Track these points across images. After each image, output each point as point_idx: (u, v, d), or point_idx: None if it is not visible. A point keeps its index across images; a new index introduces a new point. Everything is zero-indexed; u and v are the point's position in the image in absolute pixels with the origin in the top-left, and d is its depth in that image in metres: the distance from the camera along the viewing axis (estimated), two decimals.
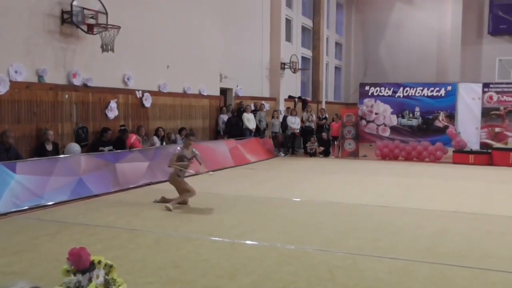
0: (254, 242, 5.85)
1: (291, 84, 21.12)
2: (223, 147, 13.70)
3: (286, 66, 19.58)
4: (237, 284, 4.46)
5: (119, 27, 10.24)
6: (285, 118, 17.47)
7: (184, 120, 13.81)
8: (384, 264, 5.03)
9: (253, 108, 16.86)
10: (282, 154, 16.99)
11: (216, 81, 15.48)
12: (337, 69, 27.78)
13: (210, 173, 9.18)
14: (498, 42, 24.67)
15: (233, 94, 16.81)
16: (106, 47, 10.23)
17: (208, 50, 14.76)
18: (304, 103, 19.95)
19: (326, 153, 16.89)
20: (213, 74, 15.25)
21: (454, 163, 14.95)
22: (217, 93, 15.60)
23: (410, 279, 4.62)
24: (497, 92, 15.30)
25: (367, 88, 16.73)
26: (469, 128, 15.46)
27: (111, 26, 10.16)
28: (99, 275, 3.06)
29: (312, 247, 5.65)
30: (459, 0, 24.86)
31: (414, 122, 16.09)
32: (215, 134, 15.26)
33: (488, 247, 5.74)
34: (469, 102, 15.52)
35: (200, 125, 14.61)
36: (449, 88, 15.89)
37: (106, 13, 10.20)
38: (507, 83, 16.19)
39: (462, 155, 15.14)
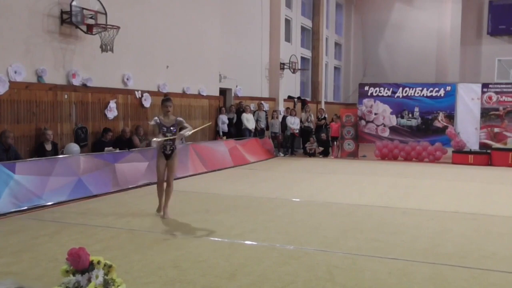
0: (253, 242, 5.85)
1: (291, 85, 21.13)
2: (222, 147, 13.70)
3: (285, 66, 19.59)
4: (236, 284, 4.46)
5: (118, 27, 10.24)
6: (284, 118, 17.48)
7: (184, 120, 13.78)
8: (383, 265, 5.04)
9: (253, 108, 16.88)
10: (282, 154, 17.00)
11: (215, 81, 15.48)
12: (337, 69, 27.79)
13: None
14: (497, 43, 24.71)
15: (233, 94, 16.82)
16: (105, 47, 10.23)
17: (208, 50, 14.78)
18: (304, 103, 19.96)
19: (325, 154, 16.90)
20: (212, 74, 15.26)
21: (453, 163, 14.95)
22: (217, 93, 15.60)
23: (410, 279, 4.63)
24: (496, 93, 15.32)
25: (366, 88, 16.75)
26: (468, 128, 15.48)
27: (110, 26, 10.16)
28: (98, 275, 3.06)
29: (311, 247, 5.65)
30: (458, 0, 24.89)
31: (413, 122, 16.11)
32: (214, 134, 15.26)
33: (488, 247, 5.74)
34: (469, 102, 15.54)
35: (199, 125, 14.60)
36: (448, 88, 15.92)
37: (106, 13, 10.20)
38: (506, 84, 16.19)
39: (462, 155, 15.15)
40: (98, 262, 3.11)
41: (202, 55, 14.48)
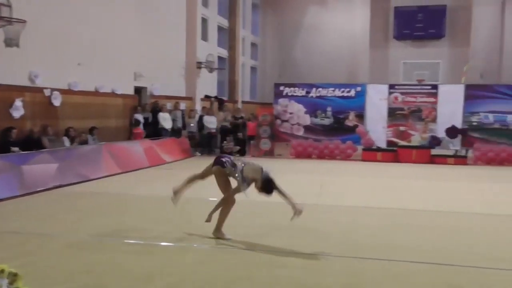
0: (170, 243, 5.79)
1: (208, 84, 21.08)
2: (137, 148, 13.40)
3: (202, 66, 19.53)
4: (153, 286, 4.39)
5: (24, 21, 9.69)
6: (201, 117, 17.42)
7: (97, 120, 13.33)
8: (299, 261, 5.17)
9: (169, 107, 16.66)
10: (199, 154, 16.93)
11: (130, 80, 15.11)
12: (253, 69, 28.12)
13: None
14: (402, 46, 26.21)
15: (148, 93, 16.50)
16: (10, 42, 9.65)
17: (122, 47, 14.36)
18: (221, 102, 20.00)
19: (242, 152, 17.05)
20: (127, 72, 14.86)
21: (363, 160, 15.70)
22: (132, 92, 15.23)
23: (322, 273, 4.80)
24: (402, 93, 16.29)
25: (281, 88, 17.13)
26: (377, 127, 16.33)
27: (15, 20, 9.59)
28: (1, 285, 2.91)
29: (228, 246, 5.69)
30: (367, 5, 26.09)
31: (326, 122, 16.71)
32: (129, 134, 14.87)
33: (397, 239, 6.09)
34: (377, 102, 16.39)
35: (113, 125, 14.18)
36: (358, 89, 16.67)
37: (10, 6, 9.60)
38: (410, 85, 17.29)
39: (371, 152, 15.95)
40: (2, 271, 2.96)
41: (116, 52, 14.05)
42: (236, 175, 5.71)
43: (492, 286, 4.54)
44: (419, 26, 25.66)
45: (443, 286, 4.50)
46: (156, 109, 15.94)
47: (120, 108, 14.56)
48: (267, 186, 5.48)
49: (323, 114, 16.71)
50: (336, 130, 16.59)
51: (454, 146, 15.85)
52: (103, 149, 11.77)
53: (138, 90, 15.93)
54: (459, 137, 15.70)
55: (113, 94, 14.10)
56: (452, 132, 15.69)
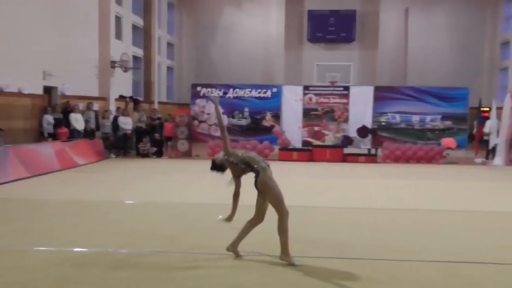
0: (83, 249, 5.57)
1: (122, 84, 20.53)
2: (47, 150, 12.77)
3: (116, 65, 18.98)
4: None
5: None
6: (116, 118, 16.93)
7: (3, 121, 12.54)
8: (220, 261, 5.20)
9: (82, 107, 16.03)
10: (113, 156, 16.44)
11: (39, 79, 14.36)
12: (170, 69, 27.77)
13: None
14: (316, 49, 27.06)
15: (59, 93, 15.76)
16: None
17: (30, 44, 13.62)
18: (136, 103, 19.55)
19: (159, 154, 16.79)
20: (35, 71, 14.12)
21: (279, 160, 16.03)
22: (41, 91, 14.49)
23: (242, 272, 4.85)
24: (316, 94, 16.83)
25: (199, 88, 17.09)
26: (292, 127, 16.75)
27: None
28: None
29: (146, 249, 5.59)
30: (282, 8, 26.66)
31: (243, 122, 16.89)
32: (38, 136, 14.14)
33: (311, 236, 6.28)
34: (292, 103, 16.82)
35: (21, 126, 13.41)
36: (274, 90, 17.01)
37: None
38: (324, 86, 17.88)
39: (287, 152, 16.34)
40: None
41: (23, 49, 13.30)
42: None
43: (401, 277, 4.81)
44: (331, 29, 26.62)
45: (356, 279, 4.71)
46: (67, 110, 15.28)
47: (28, 109, 13.81)
48: (217, 167, 5.77)
49: (240, 115, 16.87)
50: (253, 131, 16.81)
51: (365, 145, 16.63)
52: (9, 152, 11.09)
53: (48, 90, 15.19)
54: (369, 136, 16.49)
55: (20, 94, 13.34)
56: (362, 131, 16.44)
